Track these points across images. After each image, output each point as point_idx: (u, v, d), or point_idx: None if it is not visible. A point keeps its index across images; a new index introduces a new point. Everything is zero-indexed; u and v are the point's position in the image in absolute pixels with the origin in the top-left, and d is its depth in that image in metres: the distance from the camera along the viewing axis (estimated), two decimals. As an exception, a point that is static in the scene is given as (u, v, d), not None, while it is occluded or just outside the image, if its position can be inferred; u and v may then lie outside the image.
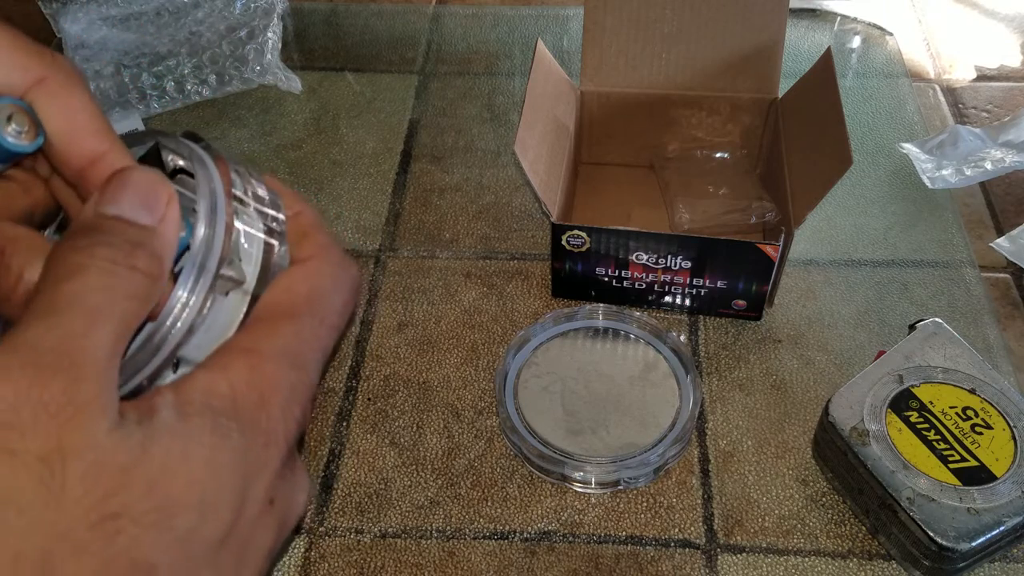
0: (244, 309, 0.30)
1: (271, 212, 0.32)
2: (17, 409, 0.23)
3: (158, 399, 0.26)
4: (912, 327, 0.60)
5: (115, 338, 0.25)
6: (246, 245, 0.30)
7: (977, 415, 0.55)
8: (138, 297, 0.26)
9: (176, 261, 0.29)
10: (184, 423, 0.26)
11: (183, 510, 0.25)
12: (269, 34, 0.92)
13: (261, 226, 0.31)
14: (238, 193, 0.30)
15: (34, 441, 0.23)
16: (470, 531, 0.58)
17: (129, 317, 0.26)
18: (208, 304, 0.28)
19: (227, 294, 0.29)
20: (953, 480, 0.52)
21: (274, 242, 0.31)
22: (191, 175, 0.30)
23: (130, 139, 0.31)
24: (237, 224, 0.30)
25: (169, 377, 0.29)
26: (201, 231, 0.28)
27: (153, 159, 0.31)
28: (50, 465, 0.23)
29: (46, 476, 0.23)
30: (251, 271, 0.30)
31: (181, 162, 0.31)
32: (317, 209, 0.33)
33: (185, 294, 0.28)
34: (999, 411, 0.55)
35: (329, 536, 0.58)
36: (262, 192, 0.32)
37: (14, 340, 0.24)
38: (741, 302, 0.67)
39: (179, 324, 0.28)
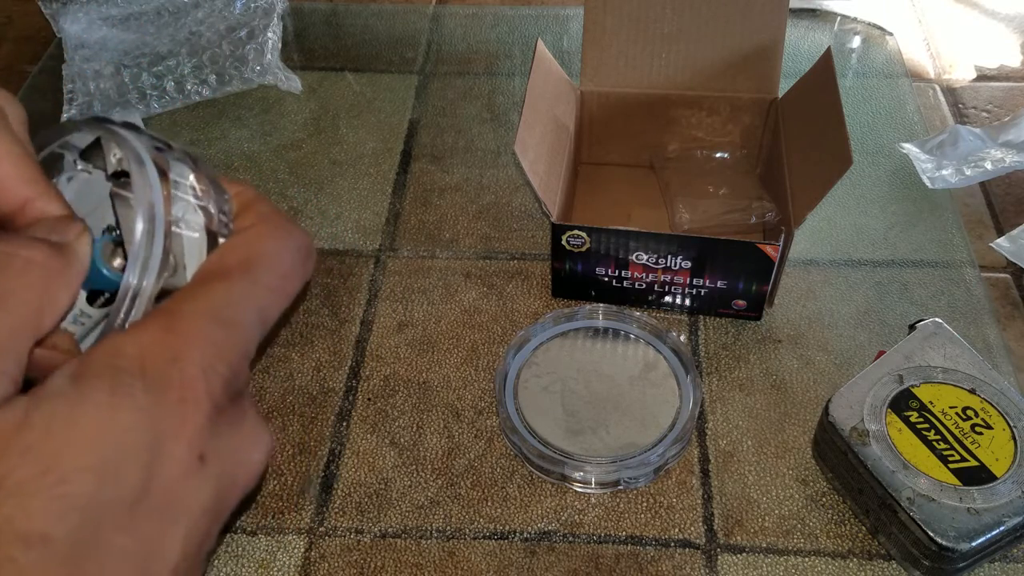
0: None
1: (214, 207, 0.31)
2: None
3: (56, 372, 0.25)
4: (912, 327, 0.60)
5: (14, 327, 0.25)
6: (187, 244, 0.30)
7: (977, 415, 0.55)
8: (34, 288, 0.26)
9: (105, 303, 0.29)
10: (77, 386, 0.25)
11: (76, 473, 0.24)
12: (269, 34, 0.92)
13: (201, 222, 0.30)
14: (179, 193, 0.30)
15: None
16: (470, 531, 0.58)
17: (27, 310, 0.25)
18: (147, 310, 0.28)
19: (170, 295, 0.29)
20: (953, 480, 0.52)
21: (220, 237, 0.31)
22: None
23: (75, 126, 0.31)
24: (177, 229, 0.29)
25: None
26: (138, 251, 0.28)
27: (96, 151, 0.31)
28: None
29: None
30: (192, 269, 0.30)
31: (124, 165, 0.30)
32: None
33: (123, 312, 0.28)
34: (999, 411, 0.55)
35: (329, 536, 0.58)
36: (203, 186, 0.31)
37: None
38: (741, 302, 0.67)
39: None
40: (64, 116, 0.85)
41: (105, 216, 0.31)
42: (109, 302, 0.30)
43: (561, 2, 1.02)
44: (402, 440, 0.63)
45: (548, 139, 0.68)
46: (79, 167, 0.32)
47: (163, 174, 0.30)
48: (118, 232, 0.30)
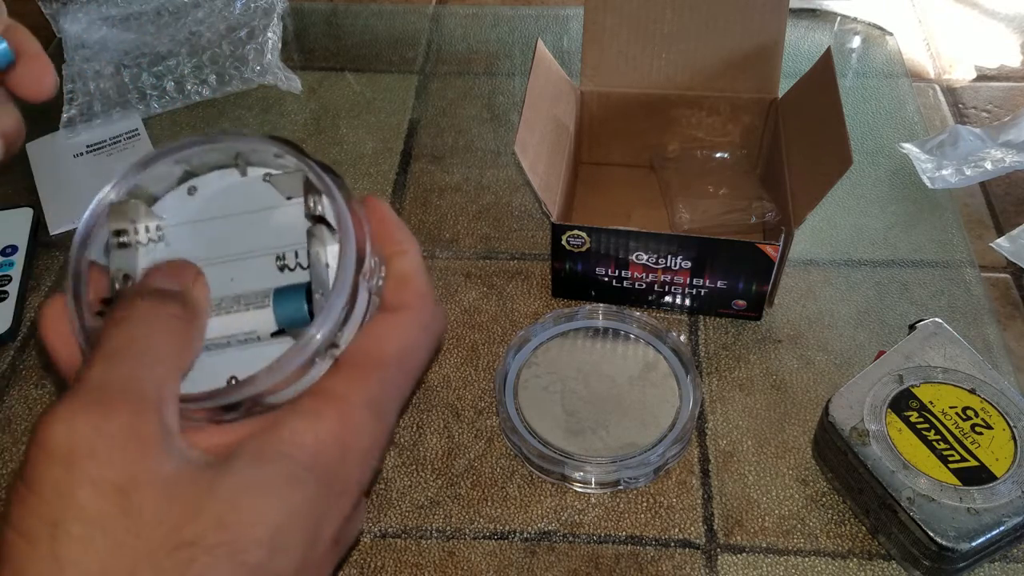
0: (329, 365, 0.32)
1: (376, 277, 0.33)
2: (92, 441, 0.25)
3: (237, 447, 0.28)
4: (912, 327, 0.60)
5: (165, 375, 0.28)
6: (357, 314, 0.32)
7: (977, 415, 0.55)
8: (176, 337, 0.29)
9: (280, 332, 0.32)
10: (257, 467, 0.28)
11: (253, 546, 0.27)
12: (269, 34, 0.92)
13: (369, 294, 0.32)
14: (364, 268, 0.32)
15: (110, 471, 0.25)
16: (470, 531, 0.58)
17: (173, 356, 0.29)
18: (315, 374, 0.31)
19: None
20: (953, 480, 0.52)
21: (375, 302, 0.33)
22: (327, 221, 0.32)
23: (277, 144, 0.33)
24: (358, 301, 0.31)
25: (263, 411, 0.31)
26: (327, 320, 0.30)
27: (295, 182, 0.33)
28: (126, 494, 0.25)
29: (123, 503, 0.25)
30: (350, 335, 0.32)
31: (322, 212, 0.33)
32: (420, 247, 0.34)
33: (292, 366, 0.30)
34: (999, 411, 0.55)
35: (329, 536, 0.58)
36: (373, 255, 0.33)
37: (80, 382, 0.27)
38: (741, 302, 0.67)
39: (287, 392, 0.30)
40: (64, 116, 0.85)
41: (257, 222, 0.33)
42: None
43: (561, 2, 1.02)
44: (402, 440, 0.63)
45: (548, 139, 0.68)
46: (254, 173, 0.35)
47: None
48: (299, 265, 0.33)
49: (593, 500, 0.59)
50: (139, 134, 0.85)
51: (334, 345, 0.31)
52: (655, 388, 0.63)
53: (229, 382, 0.30)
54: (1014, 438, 0.54)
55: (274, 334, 0.32)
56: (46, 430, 0.26)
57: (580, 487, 0.60)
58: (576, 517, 0.59)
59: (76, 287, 0.31)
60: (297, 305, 0.31)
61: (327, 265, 0.32)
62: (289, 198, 0.34)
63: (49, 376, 0.67)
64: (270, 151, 0.33)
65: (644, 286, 0.68)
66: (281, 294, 0.32)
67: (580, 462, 0.59)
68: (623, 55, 0.74)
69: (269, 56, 0.91)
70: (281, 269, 0.33)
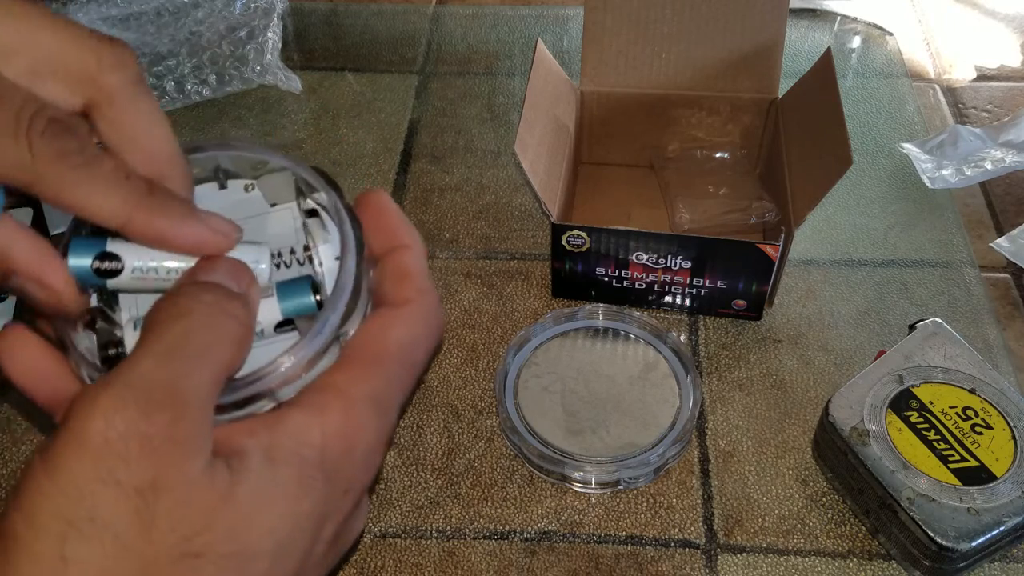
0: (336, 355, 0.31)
1: (371, 268, 0.33)
2: (127, 440, 0.25)
3: (249, 442, 0.27)
4: (912, 327, 0.60)
5: (214, 380, 0.27)
6: (361, 306, 0.32)
7: (977, 415, 0.55)
8: (235, 342, 0.28)
9: (283, 324, 0.31)
10: (271, 470, 0.27)
11: (260, 556, 0.26)
12: (269, 34, 0.92)
13: (368, 285, 0.32)
14: (366, 256, 0.32)
15: (136, 473, 0.25)
16: (470, 531, 0.58)
17: (227, 362, 0.28)
18: (325, 362, 0.30)
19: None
20: (953, 480, 0.52)
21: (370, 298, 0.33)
22: (321, 215, 0.32)
23: (259, 150, 0.33)
24: (362, 291, 0.31)
25: (265, 407, 0.30)
26: (339, 305, 0.30)
27: (282, 184, 0.33)
28: (144, 497, 0.25)
29: (140, 507, 0.25)
30: (354, 328, 0.31)
31: (317, 208, 0.32)
32: (422, 241, 0.34)
33: (309, 353, 0.30)
34: (999, 411, 0.55)
35: (329, 536, 0.58)
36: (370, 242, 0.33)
37: (128, 374, 0.26)
38: (741, 302, 0.67)
39: (294, 386, 0.30)
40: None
41: (248, 231, 0.32)
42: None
43: (561, 2, 1.02)
44: (402, 440, 0.63)
45: (548, 139, 0.68)
46: (234, 184, 0.34)
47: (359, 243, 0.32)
48: (304, 259, 0.33)
49: (593, 500, 0.59)
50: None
51: (341, 336, 0.31)
52: (655, 388, 0.63)
53: (244, 376, 0.30)
54: (1014, 438, 0.54)
55: (279, 328, 0.32)
56: (84, 419, 0.25)
57: (580, 487, 0.60)
58: (576, 517, 0.59)
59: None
60: (303, 293, 0.31)
61: (322, 264, 0.32)
62: (274, 204, 0.34)
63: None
64: (250, 161, 0.33)
65: (644, 286, 0.68)
66: (285, 285, 0.31)
67: (580, 462, 0.59)
68: (623, 55, 0.74)
69: (269, 56, 0.91)
70: (278, 267, 0.33)
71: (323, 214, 0.33)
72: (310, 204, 0.33)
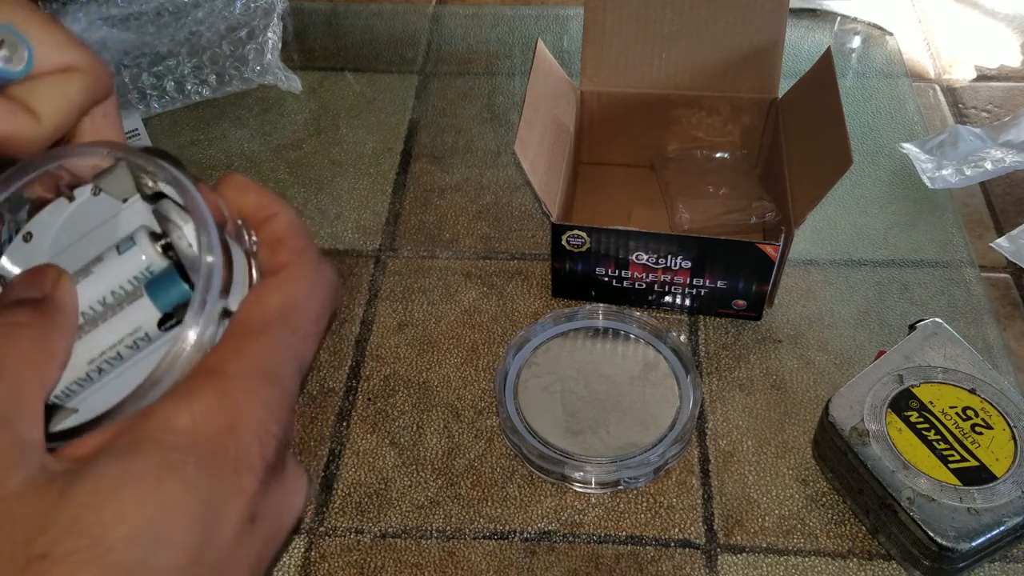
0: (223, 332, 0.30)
1: (249, 242, 0.31)
2: None
3: (103, 445, 0.26)
4: (912, 327, 0.60)
5: (20, 388, 0.26)
6: (239, 279, 0.30)
7: (977, 415, 0.55)
8: (33, 343, 0.27)
9: (167, 321, 0.30)
10: (123, 463, 0.26)
11: (121, 544, 0.25)
12: (269, 34, 0.92)
13: (247, 257, 0.30)
14: (228, 227, 0.30)
15: None
16: (470, 531, 0.58)
17: (30, 367, 0.27)
18: (211, 338, 0.29)
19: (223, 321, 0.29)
20: (953, 480, 0.52)
21: (253, 262, 0.31)
22: (168, 195, 0.30)
23: (94, 149, 0.31)
24: (236, 262, 0.29)
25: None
26: (205, 270, 0.28)
27: (113, 176, 0.31)
28: None
29: None
30: (239, 297, 0.30)
31: (161, 187, 0.30)
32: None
33: (193, 332, 0.28)
34: (999, 411, 0.55)
35: (329, 536, 0.58)
36: (234, 212, 0.31)
37: None
38: (741, 302, 0.67)
39: (183, 363, 0.28)
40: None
41: (105, 236, 0.31)
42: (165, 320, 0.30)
43: (561, 2, 1.02)
44: (402, 440, 0.63)
45: (548, 139, 0.68)
46: (81, 193, 0.32)
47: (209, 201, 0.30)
48: (170, 250, 0.30)
49: (593, 500, 0.59)
50: (139, 134, 0.85)
51: (227, 314, 0.29)
52: (655, 388, 0.63)
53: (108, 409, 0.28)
54: (1014, 438, 0.54)
55: (162, 325, 0.30)
56: None
57: (580, 487, 0.60)
58: (576, 517, 0.59)
59: None
60: (171, 282, 0.30)
61: (191, 244, 0.30)
62: (125, 200, 0.32)
63: None
64: (88, 163, 0.31)
65: (644, 286, 0.68)
66: (152, 282, 0.30)
67: (580, 462, 0.59)
68: (623, 55, 0.75)
69: (269, 56, 0.91)
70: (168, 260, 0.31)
71: (172, 192, 0.31)
72: (152, 186, 0.31)
